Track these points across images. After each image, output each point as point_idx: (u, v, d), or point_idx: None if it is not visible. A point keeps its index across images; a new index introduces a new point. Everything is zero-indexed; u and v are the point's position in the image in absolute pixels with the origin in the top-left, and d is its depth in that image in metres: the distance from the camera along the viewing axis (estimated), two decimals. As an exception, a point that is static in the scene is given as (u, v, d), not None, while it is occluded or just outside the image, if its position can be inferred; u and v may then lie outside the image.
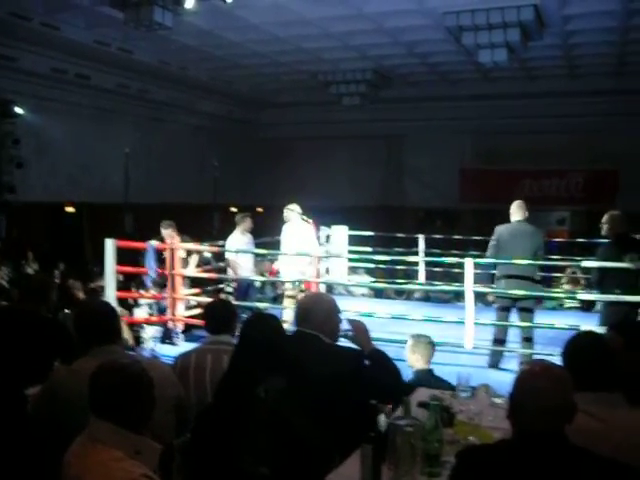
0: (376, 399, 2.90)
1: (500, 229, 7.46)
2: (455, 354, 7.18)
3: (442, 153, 19.64)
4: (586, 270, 9.53)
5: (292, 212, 9.08)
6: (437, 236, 12.56)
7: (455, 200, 19.85)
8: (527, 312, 7.25)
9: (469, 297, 7.31)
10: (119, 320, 3.65)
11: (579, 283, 12.10)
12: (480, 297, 9.00)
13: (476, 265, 7.59)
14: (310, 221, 9.27)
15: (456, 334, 7.57)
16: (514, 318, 7.38)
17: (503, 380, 6.35)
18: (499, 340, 7.23)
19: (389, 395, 3.08)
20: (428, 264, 11.88)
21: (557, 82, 17.25)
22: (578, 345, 2.84)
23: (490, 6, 11.80)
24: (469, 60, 14.58)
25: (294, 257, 8.86)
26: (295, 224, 9.07)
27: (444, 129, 19.20)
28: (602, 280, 6.92)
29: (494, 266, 7.41)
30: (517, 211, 7.51)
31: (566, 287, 12.04)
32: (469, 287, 7.32)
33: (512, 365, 7.01)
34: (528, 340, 7.15)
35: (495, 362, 7.12)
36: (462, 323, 7.38)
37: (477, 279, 7.78)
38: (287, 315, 8.38)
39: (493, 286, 7.69)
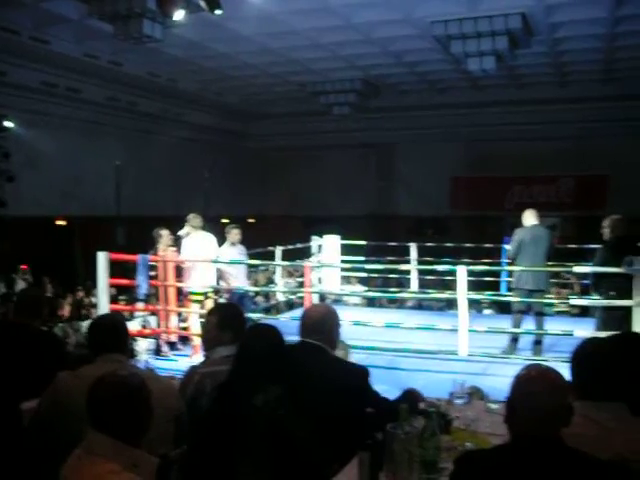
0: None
1: (521, 231, 7.81)
2: (449, 362, 7.20)
3: (432, 161, 19.73)
4: (580, 275, 9.61)
5: (189, 224, 8.99)
6: (429, 244, 12.57)
7: (446, 208, 19.92)
8: (541, 316, 7.73)
9: (462, 304, 7.32)
10: (127, 331, 3.74)
11: (573, 288, 12.16)
12: (473, 304, 9.02)
13: (469, 272, 7.63)
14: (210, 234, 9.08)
15: (450, 342, 7.60)
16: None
17: (495, 386, 6.43)
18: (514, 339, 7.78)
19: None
20: (420, 272, 11.91)
21: (546, 89, 17.36)
22: (583, 353, 2.83)
23: (478, 15, 11.87)
24: (458, 68, 14.68)
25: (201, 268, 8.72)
26: (197, 236, 8.89)
27: (434, 137, 19.30)
28: (599, 283, 7.02)
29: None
30: (531, 216, 7.87)
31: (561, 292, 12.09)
32: (462, 294, 7.34)
33: (506, 371, 7.02)
34: (538, 343, 7.45)
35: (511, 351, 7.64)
36: (456, 331, 7.38)
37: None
38: (193, 322, 8.43)
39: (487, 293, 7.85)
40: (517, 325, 7.84)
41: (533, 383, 2.25)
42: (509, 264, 8.75)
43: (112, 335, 3.56)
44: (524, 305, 7.82)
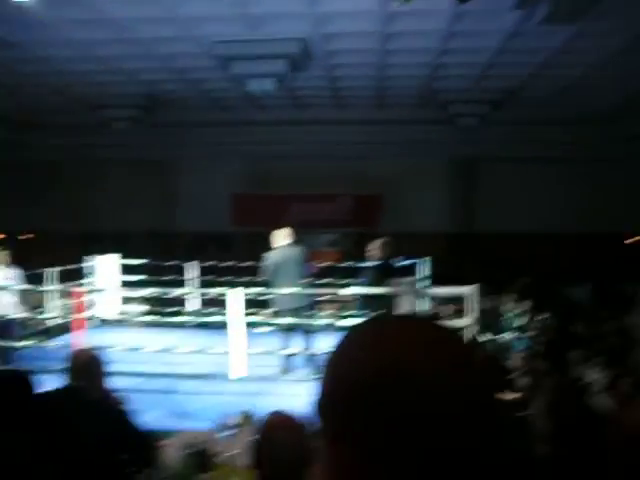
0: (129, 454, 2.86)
1: (273, 253, 7.94)
2: (226, 384, 7.25)
3: (215, 178, 19.79)
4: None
5: None
6: (209, 263, 12.57)
7: (228, 225, 20.04)
8: (308, 333, 8.11)
9: (236, 327, 7.38)
10: None
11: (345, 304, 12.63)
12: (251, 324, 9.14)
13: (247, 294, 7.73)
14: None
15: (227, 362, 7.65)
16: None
17: (271, 407, 6.57)
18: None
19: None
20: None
21: (324, 111, 18.07)
22: None
23: (259, 37, 12.12)
24: (239, 88, 14.85)
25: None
26: None
27: (217, 154, 19.39)
28: (366, 303, 7.42)
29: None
30: (283, 236, 8.05)
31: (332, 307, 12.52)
32: (233, 317, 7.38)
33: (282, 390, 7.20)
34: (311, 359, 7.70)
35: (287, 370, 7.88)
36: (228, 354, 7.42)
37: None
38: None
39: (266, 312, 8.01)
40: (286, 343, 8.08)
41: (275, 430, 2.29)
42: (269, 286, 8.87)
43: None
44: (291, 324, 8.05)
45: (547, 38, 11.70)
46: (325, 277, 11.97)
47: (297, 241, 8.74)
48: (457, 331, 0.90)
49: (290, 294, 7.86)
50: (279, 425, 2.30)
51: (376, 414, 0.79)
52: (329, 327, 8.21)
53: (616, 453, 1.57)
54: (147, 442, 3.37)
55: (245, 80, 13.36)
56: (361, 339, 0.88)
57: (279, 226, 9.14)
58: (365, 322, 0.93)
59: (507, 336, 11.74)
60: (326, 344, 8.15)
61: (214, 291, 9.16)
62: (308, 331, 8.01)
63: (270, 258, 8.15)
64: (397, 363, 0.81)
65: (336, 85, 15.63)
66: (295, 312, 7.93)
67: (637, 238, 18.75)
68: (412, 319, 0.96)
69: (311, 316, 8.41)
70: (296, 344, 8.16)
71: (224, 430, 3.55)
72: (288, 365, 8.00)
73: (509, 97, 16.10)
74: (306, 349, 7.96)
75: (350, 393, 0.81)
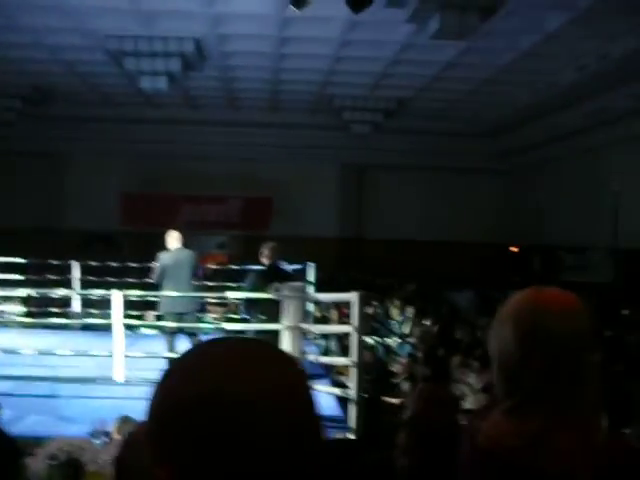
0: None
1: (164, 256, 7.88)
2: (109, 387, 7.08)
3: (104, 175, 19.24)
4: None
5: None
6: (93, 263, 12.20)
7: (117, 224, 19.57)
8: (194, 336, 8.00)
9: (117, 329, 7.21)
10: None
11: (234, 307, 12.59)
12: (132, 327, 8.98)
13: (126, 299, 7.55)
14: None
15: (111, 365, 7.47)
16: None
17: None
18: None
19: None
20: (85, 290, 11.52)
21: (218, 111, 17.94)
22: None
23: (153, 34, 11.92)
24: (132, 84, 14.54)
25: None
26: None
27: (106, 151, 18.88)
28: (250, 307, 7.43)
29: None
30: (174, 239, 7.99)
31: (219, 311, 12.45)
32: (117, 319, 7.22)
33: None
34: None
35: None
36: (111, 357, 7.25)
37: None
38: None
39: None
40: (171, 347, 7.99)
41: (139, 443, 2.22)
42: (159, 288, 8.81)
43: None
44: (175, 327, 7.98)
45: (438, 52, 12.08)
46: (213, 280, 11.89)
47: (186, 243, 8.66)
48: (288, 354, 0.92)
49: (176, 297, 7.79)
50: (142, 437, 2.21)
51: (188, 437, 0.80)
52: (216, 330, 8.18)
53: (466, 466, 1.64)
54: (11, 451, 3.23)
55: (138, 77, 13.10)
56: (183, 363, 0.90)
57: (168, 227, 9.04)
58: (195, 346, 0.96)
59: (392, 341, 12.00)
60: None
61: (96, 292, 8.90)
62: (193, 334, 7.95)
63: (161, 260, 8.10)
64: (211, 387, 0.83)
65: (230, 86, 15.56)
66: (181, 315, 7.87)
67: (516, 248, 19.55)
68: (245, 342, 0.97)
69: (197, 319, 8.35)
70: (181, 347, 8.08)
71: (100, 436, 3.46)
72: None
73: (402, 107, 16.48)
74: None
75: (166, 417, 0.83)
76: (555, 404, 1.47)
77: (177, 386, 0.86)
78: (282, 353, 0.92)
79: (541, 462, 1.43)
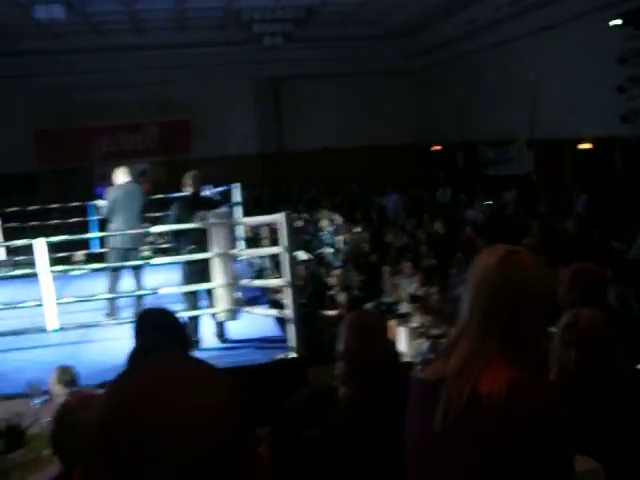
0: None
1: (113, 190, 7.73)
2: (41, 336, 6.94)
3: (13, 113, 18.28)
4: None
5: None
6: (11, 209, 11.68)
7: (33, 163, 18.86)
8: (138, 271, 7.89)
9: (45, 279, 7.00)
10: None
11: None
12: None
13: (51, 243, 7.32)
14: None
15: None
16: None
17: (93, 356, 6.40)
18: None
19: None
20: (7, 238, 11.12)
21: (123, 37, 17.22)
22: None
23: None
24: (27, 14, 13.73)
25: None
26: None
27: (12, 87, 17.86)
28: (178, 239, 7.34)
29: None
30: (123, 173, 7.86)
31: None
32: (42, 269, 6.99)
33: (105, 334, 7.03)
34: (140, 298, 7.50)
35: (112, 313, 7.68)
36: (41, 306, 7.03)
37: None
38: None
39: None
40: (114, 284, 7.87)
41: (77, 412, 2.15)
42: (101, 222, 8.68)
43: None
44: (119, 264, 7.87)
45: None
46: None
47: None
48: (216, 372, 0.89)
49: (125, 232, 7.63)
50: (77, 406, 2.18)
51: (106, 456, 0.80)
52: (150, 265, 8.06)
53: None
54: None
55: (31, 6, 12.41)
56: (114, 383, 0.89)
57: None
58: (127, 366, 0.95)
59: (324, 253, 12.10)
60: (152, 282, 7.99)
61: (17, 243, 8.60)
62: (138, 269, 7.83)
63: (111, 194, 7.90)
64: (128, 406, 0.81)
65: (133, 8, 14.87)
66: (128, 251, 7.73)
67: (438, 147, 19.71)
68: (178, 361, 0.94)
69: (139, 254, 8.22)
70: (126, 284, 7.95)
71: (38, 395, 3.40)
72: (112, 308, 7.78)
73: (311, 14, 16.12)
74: (134, 288, 7.78)
75: (92, 436, 0.83)
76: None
77: (100, 406, 0.85)
78: (208, 373, 0.89)
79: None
